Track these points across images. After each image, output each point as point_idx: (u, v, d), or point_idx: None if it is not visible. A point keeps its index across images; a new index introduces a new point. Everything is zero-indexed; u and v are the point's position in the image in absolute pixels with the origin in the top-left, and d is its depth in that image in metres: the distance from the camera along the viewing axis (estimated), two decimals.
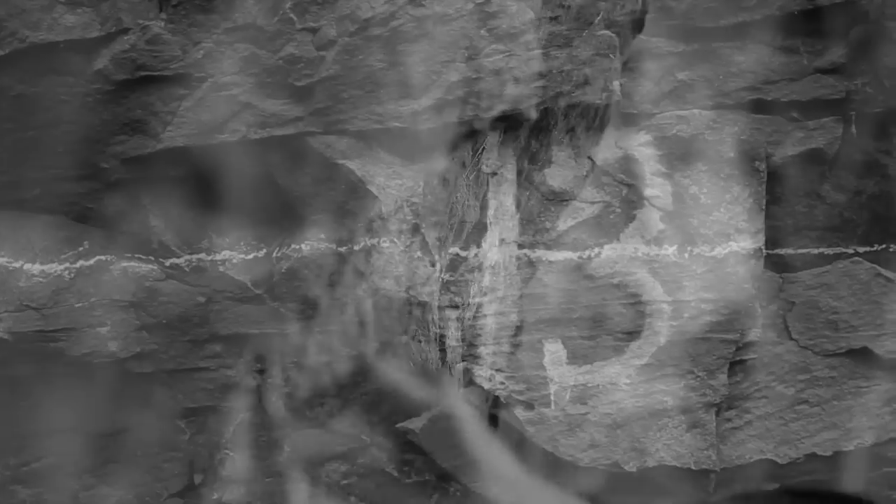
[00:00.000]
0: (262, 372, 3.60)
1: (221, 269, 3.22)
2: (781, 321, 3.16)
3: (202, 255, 3.20)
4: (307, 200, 2.94)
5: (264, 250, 3.19)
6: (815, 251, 3.14)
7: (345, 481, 3.79)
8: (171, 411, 3.53)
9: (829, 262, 3.14)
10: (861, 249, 3.14)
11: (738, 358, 3.09)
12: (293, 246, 3.15)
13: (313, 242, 3.09)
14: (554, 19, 2.67)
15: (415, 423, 3.52)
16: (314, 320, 3.32)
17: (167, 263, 3.18)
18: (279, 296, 3.26)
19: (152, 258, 3.16)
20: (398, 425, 3.58)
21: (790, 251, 3.13)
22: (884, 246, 3.14)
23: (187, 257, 3.20)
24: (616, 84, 2.77)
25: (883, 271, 3.13)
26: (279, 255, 3.19)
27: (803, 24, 2.82)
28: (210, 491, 3.61)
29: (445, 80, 2.71)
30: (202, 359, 3.42)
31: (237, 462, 3.61)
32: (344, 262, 3.11)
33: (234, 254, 3.20)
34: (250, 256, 3.21)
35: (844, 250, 3.14)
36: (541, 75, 2.71)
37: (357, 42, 2.63)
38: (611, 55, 2.73)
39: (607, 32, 2.71)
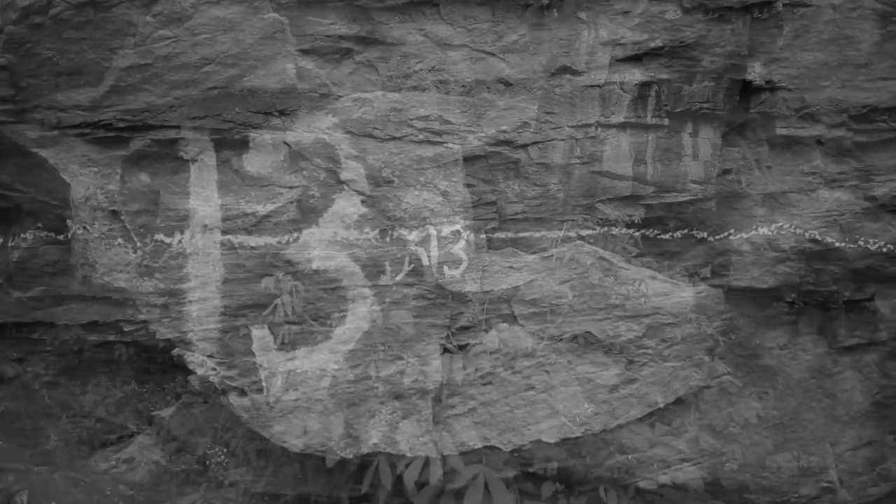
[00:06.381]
0: (20, 361, 3.66)
1: None
2: (507, 307, 3.09)
3: None
4: (15, 190, 2.96)
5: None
6: (537, 234, 3.06)
7: (114, 470, 3.82)
8: None
9: (553, 246, 3.07)
10: (584, 233, 3.06)
11: (457, 343, 3.05)
12: (22, 235, 3.19)
13: (35, 232, 3.13)
14: (216, 4, 2.65)
15: (167, 412, 3.55)
16: (54, 309, 3.35)
17: None
18: (18, 285, 3.30)
19: None
20: (154, 413, 3.62)
21: (511, 235, 3.06)
22: (605, 229, 3.05)
23: None
24: (290, 67, 2.74)
25: (604, 254, 3.05)
26: (13, 244, 3.23)
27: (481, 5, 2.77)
28: None
29: (117, 67, 2.71)
30: None
31: (3, 451, 3.66)
32: (67, 250, 3.14)
33: None
34: None
35: (567, 234, 3.06)
36: (206, 60, 2.69)
37: (22, 30, 2.65)
38: (278, 36, 2.70)
39: (275, 15, 2.69)
